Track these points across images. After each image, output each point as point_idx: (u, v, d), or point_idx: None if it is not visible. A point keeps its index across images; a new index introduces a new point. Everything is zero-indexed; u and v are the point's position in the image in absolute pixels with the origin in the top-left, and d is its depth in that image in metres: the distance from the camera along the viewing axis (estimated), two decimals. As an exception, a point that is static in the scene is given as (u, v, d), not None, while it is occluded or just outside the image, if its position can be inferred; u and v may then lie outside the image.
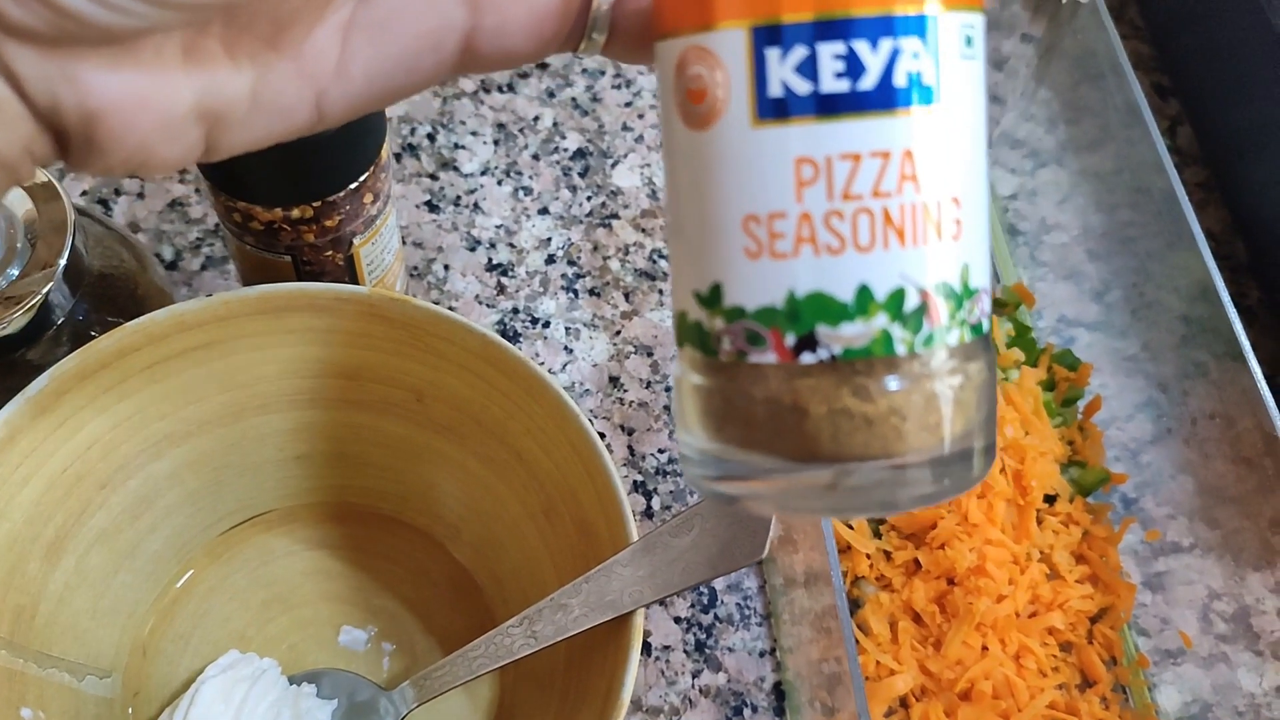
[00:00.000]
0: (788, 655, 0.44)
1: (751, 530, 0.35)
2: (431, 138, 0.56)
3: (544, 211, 0.55)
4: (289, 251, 0.40)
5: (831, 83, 0.20)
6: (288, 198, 0.38)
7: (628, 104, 0.58)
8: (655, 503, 0.48)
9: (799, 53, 0.20)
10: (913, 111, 0.20)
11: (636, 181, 0.56)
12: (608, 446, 0.49)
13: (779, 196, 0.20)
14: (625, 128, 0.58)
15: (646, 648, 0.45)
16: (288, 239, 0.40)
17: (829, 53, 0.20)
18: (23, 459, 0.36)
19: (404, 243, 0.53)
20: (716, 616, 0.46)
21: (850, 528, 0.46)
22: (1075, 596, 0.45)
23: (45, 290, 0.38)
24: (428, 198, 0.55)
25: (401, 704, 0.39)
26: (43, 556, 0.38)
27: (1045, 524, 0.46)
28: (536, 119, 0.57)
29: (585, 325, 0.52)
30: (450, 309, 0.48)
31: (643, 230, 0.55)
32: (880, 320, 0.20)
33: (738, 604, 0.46)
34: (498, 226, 0.54)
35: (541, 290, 0.53)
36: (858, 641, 0.43)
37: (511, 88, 0.58)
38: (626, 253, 0.54)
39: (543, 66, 0.59)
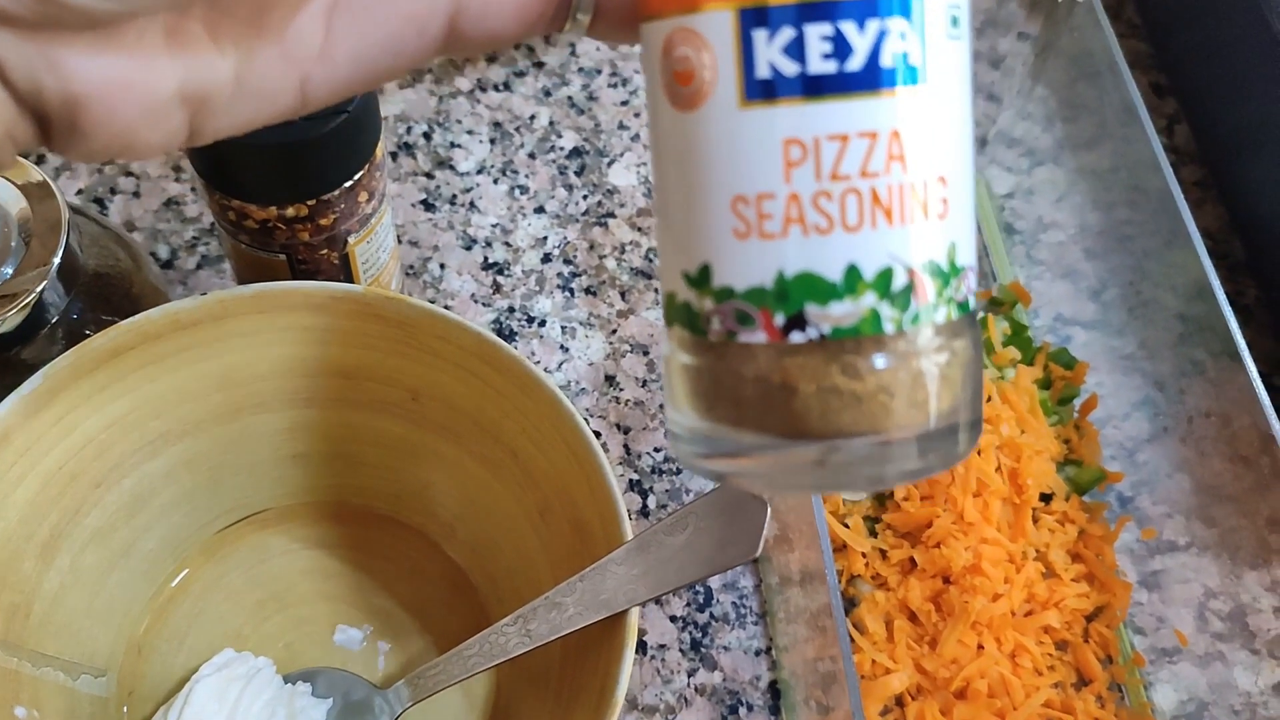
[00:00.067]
0: (783, 654, 0.44)
1: (746, 529, 0.35)
2: (427, 136, 0.56)
3: (540, 210, 0.55)
4: (284, 250, 0.40)
5: (819, 64, 0.20)
6: (282, 196, 0.38)
7: (624, 103, 0.58)
8: (651, 501, 0.48)
9: (786, 34, 0.20)
10: (900, 92, 0.20)
11: (633, 180, 0.56)
12: (604, 445, 0.49)
13: (767, 177, 0.20)
14: (621, 126, 0.57)
15: (642, 646, 0.45)
16: (282, 237, 0.40)
17: (816, 34, 0.20)
18: (17, 458, 0.36)
19: (400, 241, 0.53)
20: (712, 615, 0.46)
21: (846, 526, 0.46)
22: (1071, 595, 0.45)
23: (39, 289, 0.38)
24: (423, 196, 0.55)
25: (396, 703, 0.39)
26: (37, 555, 0.38)
27: (1041, 522, 0.46)
28: (533, 118, 0.57)
29: (581, 324, 0.52)
30: (446, 308, 0.48)
31: (639, 229, 0.55)
32: (869, 299, 0.20)
33: (733, 603, 0.46)
34: (494, 225, 0.54)
35: (537, 289, 0.53)
36: (853, 640, 0.43)
37: (508, 86, 0.58)
38: (622, 251, 0.54)
39: (539, 65, 0.59)
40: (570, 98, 0.58)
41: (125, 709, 0.40)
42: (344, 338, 0.40)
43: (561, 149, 0.57)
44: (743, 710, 0.44)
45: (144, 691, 0.41)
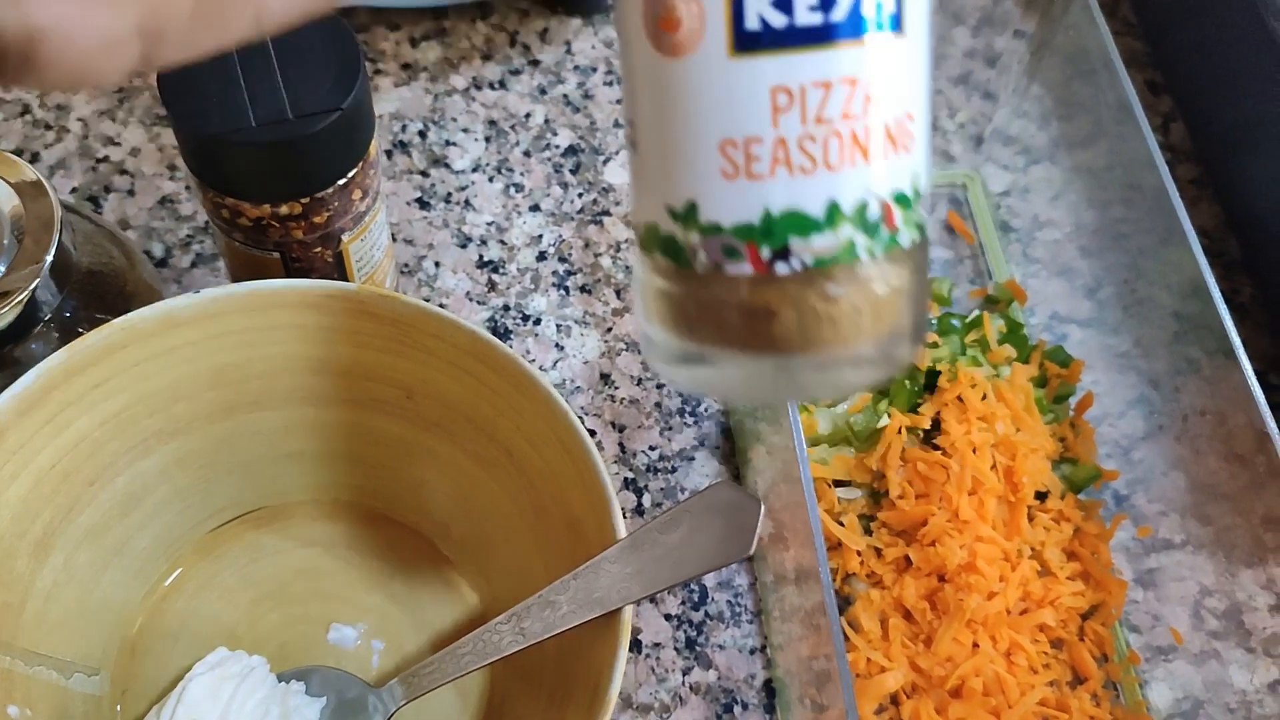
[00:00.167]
0: (778, 652, 0.44)
1: (739, 527, 0.35)
2: (422, 134, 0.56)
3: (535, 208, 0.55)
4: (277, 248, 0.40)
5: (806, 15, 0.21)
6: (276, 194, 0.38)
7: (619, 101, 0.58)
8: (646, 500, 0.48)
9: None
10: (879, 39, 0.21)
11: (629, 178, 0.56)
12: (598, 444, 0.49)
13: (756, 123, 0.22)
14: (617, 125, 0.57)
15: (637, 645, 0.45)
16: (276, 235, 0.40)
17: None
18: (10, 456, 0.36)
19: (394, 239, 0.53)
20: (707, 614, 0.46)
21: (840, 524, 0.46)
22: (1066, 593, 0.45)
23: (31, 286, 0.38)
24: (418, 194, 0.54)
25: (390, 701, 0.39)
26: (30, 554, 0.38)
27: (1036, 521, 0.46)
28: (528, 116, 0.57)
29: (576, 322, 0.52)
30: (441, 306, 0.48)
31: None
32: (846, 231, 0.22)
33: (728, 601, 0.46)
34: (489, 223, 0.54)
35: (532, 287, 0.52)
36: (848, 638, 0.43)
37: (503, 84, 0.58)
38: (618, 250, 0.54)
39: (534, 63, 0.59)
40: (566, 96, 0.58)
41: (119, 708, 0.40)
42: (338, 336, 0.40)
43: (557, 147, 0.56)
44: (737, 709, 0.44)
45: (137, 690, 0.41)
